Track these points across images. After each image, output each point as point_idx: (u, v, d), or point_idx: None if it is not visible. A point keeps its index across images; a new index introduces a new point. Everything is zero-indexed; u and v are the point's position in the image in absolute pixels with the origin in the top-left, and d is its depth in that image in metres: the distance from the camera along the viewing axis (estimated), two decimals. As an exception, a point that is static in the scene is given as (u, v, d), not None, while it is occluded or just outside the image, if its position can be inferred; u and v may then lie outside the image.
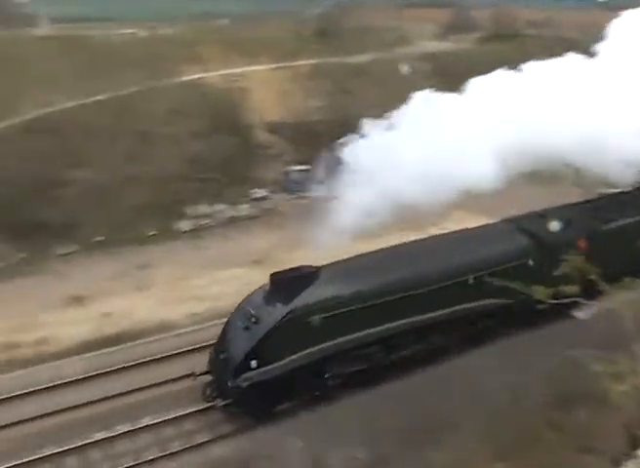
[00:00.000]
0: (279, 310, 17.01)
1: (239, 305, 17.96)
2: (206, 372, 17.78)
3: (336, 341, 17.06)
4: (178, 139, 30.09)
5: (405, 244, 19.55)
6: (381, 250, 19.09)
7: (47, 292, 22.42)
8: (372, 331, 17.44)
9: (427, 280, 17.97)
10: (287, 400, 17.22)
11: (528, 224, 20.44)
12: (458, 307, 18.35)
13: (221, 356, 17.24)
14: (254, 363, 16.50)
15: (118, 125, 29.73)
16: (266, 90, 34.01)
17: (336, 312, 16.98)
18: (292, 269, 17.86)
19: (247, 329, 17.09)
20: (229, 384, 16.65)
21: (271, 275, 17.78)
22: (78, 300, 22.36)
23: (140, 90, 31.98)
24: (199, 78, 34.43)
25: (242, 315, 17.53)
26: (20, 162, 26.84)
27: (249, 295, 18.14)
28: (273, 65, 36.02)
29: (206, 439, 16.56)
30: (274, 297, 17.45)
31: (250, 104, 33.58)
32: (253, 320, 17.04)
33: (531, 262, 19.25)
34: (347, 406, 15.63)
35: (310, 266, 17.91)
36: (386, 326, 17.56)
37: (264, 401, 16.93)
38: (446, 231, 21.91)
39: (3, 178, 26.14)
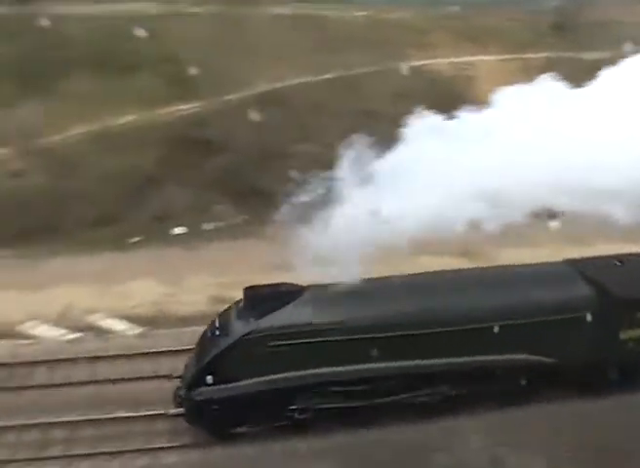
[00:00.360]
0: (241, 328, 15.73)
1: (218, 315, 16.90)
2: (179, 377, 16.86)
3: (304, 373, 15.35)
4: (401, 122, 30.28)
5: (427, 274, 16.96)
6: (395, 276, 16.72)
7: (261, 255, 23.37)
8: (351, 368, 15.43)
9: (434, 320, 15.53)
10: (248, 424, 15.74)
11: (596, 270, 16.82)
12: (472, 358, 15.66)
13: (187, 364, 16.63)
14: (209, 378, 15.51)
15: (344, 103, 30.42)
16: (494, 80, 33.28)
17: (308, 341, 15.26)
18: (270, 285, 16.37)
19: (210, 342, 16.18)
20: (182, 395, 15.95)
21: (245, 289, 16.42)
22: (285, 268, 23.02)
23: (368, 71, 32.49)
24: (426, 64, 34.40)
25: (211, 326, 16.57)
26: (249, 132, 28.40)
27: (230, 306, 17.03)
28: (503, 56, 35.24)
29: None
30: (244, 313, 16.08)
31: (475, 94, 33.09)
32: (216, 333, 16.09)
33: (589, 317, 15.90)
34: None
35: (293, 285, 16.37)
36: (371, 365, 15.50)
37: (219, 420, 15.73)
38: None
39: (233, 146, 27.83)
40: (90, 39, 32.09)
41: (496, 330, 15.53)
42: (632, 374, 15.95)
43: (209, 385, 15.51)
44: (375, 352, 15.37)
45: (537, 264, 17.45)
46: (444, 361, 15.55)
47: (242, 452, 14.50)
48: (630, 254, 17.70)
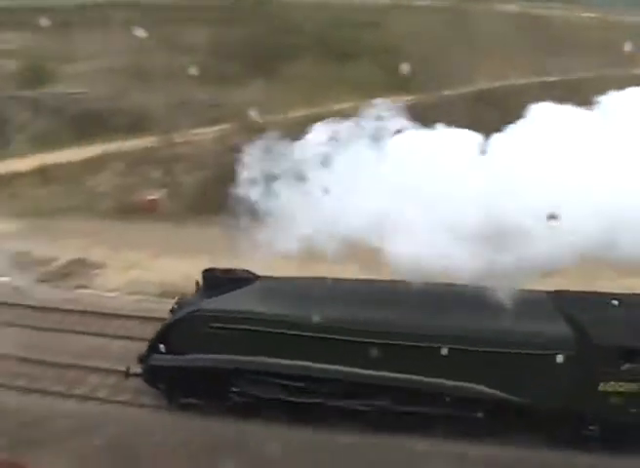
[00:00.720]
0: (190, 306, 16.44)
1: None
2: None
3: (240, 358, 15.70)
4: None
5: (388, 282, 15.66)
6: (350, 280, 16.43)
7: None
8: (285, 362, 15.44)
9: (382, 331, 14.78)
10: (195, 397, 16.33)
11: (582, 307, 15.10)
12: (418, 377, 14.76)
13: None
14: (162, 347, 16.36)
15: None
16: None
17: (245, 328, 15.49)
18: (227, 270, 16.89)
19: (170, 314, 16.97)
20: (140, 357, 16.67)
21: (204, 271, 17.00)
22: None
23: (589, 77, 31.43)
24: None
25: (176, 301, 17.46)
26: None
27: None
28: None
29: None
30: (199, 293, 16.93)
31: None
32: (176, 307, 16.95)
33: (560, 359, 14.20)
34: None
35: (249, 273, 16.80)
36: (306, 364, 15.31)
37: (169, 387, 16.61)
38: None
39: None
40: (315, 26, 33.33)
41: (445, 352, 14.50)
42: (614, 434, 14.62)
43: (161, 353, 16.42)
44: (311, 351, 15.20)
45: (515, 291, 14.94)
46: (384, 374, 14.96)
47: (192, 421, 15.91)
48: (634, 294, 15.69)
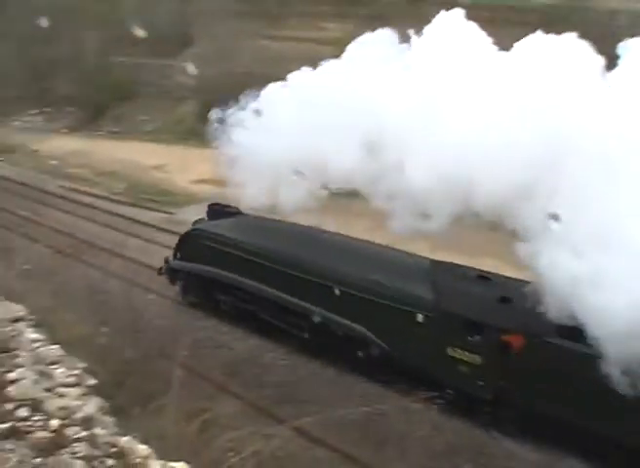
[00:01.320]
0: (194, 226, 21.73)
1: None
2: None
3: (218, 272, 19.96)
4: None
5: (312, 228, 19.54)
6: (296, 225, 19.72)
7: None
8: (242, 280, 19.33)
9: (299, 266, 18.10)
10: (198, 298, 21.01)
11: (447, 277, 16.44)
12: (321, 310, 17.48)
13: None
14: (178, 254, 21.36)
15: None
16: None
17: (221, 248, 20.04)
18: (226, 205, 21.45)
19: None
20: (165, 260, 21.63)
21: (209, 204, 22.12)
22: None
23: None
24: None
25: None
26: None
27: None
28: None
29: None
30: (205, 218, 22.00)
31: None
32: (192, 225, 22.01)
33: (420, 318, 15.85)
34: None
35: (238, 210, 21.14)
36: (252, 283, 19.11)
37: (182, 286, 21.46)
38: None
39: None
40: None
41: (337, 292, 17.21)
42: (468, 402, 15.38)
43: (177, 259, 21.38)
44: (255, 273, 19.13)
45: (402, 252, 18.05)
46: (298, 302, 18.00)
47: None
48: (498, 275, 16.38)
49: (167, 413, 10.43)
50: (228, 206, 21.48)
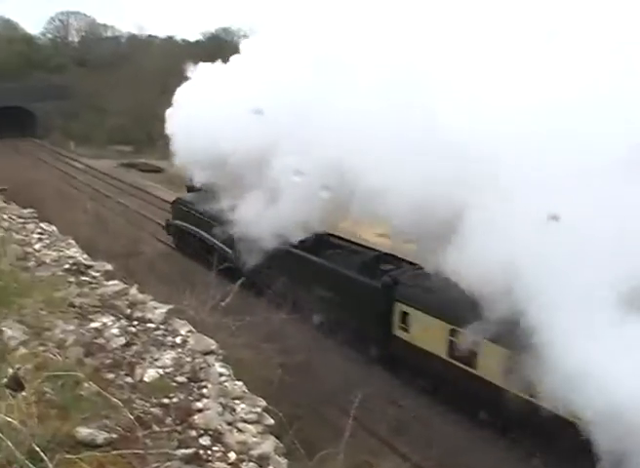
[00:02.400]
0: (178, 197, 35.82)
1: None
2: None
3: (191, 228, 32.69)
4: None
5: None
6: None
7: None
8: (205, 234, 31.26)
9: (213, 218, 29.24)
10: (184, 246, 34.24)
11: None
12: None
13: None
14: (173, 215, 35.31)
15: None
16: None
17: (191, 211, 32.62)
18: (191, 184, 32.02)
19: None
20: (166, 220, 36.08)
21: (186, 185, 34.69)
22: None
23: None
24: None
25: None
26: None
27: None
28: None
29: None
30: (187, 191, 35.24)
31: None
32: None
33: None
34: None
35: (200, 187, 30.00)
36: (205, 234, 31.29)
37: (175, 239, 35.28)
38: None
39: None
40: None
41: (217, 229, 28.88)
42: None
43: (173, 219, 35.03)
44: (197, 223, 32.15)
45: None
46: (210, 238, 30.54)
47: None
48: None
49: (333, 464, 10.53)
50: (192, 184, 31.34)
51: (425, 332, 20.19)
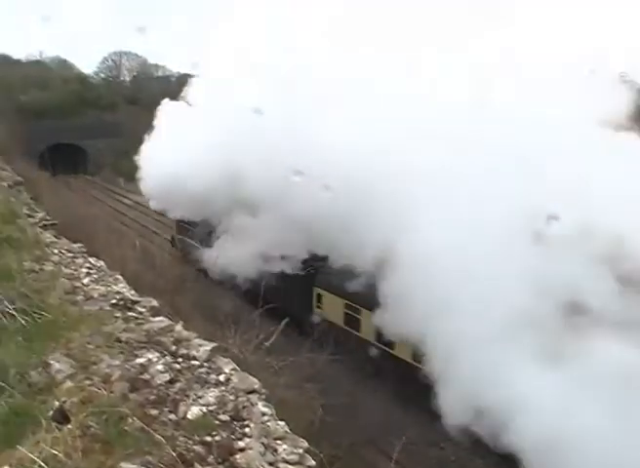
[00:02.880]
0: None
1: None
2: None
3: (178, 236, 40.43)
4: None
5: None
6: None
7: None
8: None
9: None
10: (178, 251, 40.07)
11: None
12: None
13: None
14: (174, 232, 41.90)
15: None
16: None
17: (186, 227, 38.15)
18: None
19: None
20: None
21: None
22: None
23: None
24: None
25: None
26: None
27: None
28: None
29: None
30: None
31: None
32: None
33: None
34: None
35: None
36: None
37: (175, 246, 41.22)
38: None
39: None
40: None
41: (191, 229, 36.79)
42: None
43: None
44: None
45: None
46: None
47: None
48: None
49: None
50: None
51: (331, 308, 26.46)
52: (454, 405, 16.40)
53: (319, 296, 27.17)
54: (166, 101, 35.12)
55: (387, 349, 23.18)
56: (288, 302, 26.53)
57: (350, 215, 20.47)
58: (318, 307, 27.17)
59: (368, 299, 22.17)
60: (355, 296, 24.10)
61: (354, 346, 24.28)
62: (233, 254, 27.18)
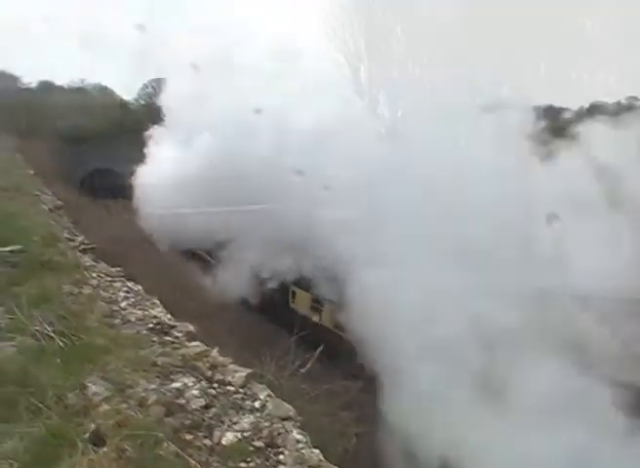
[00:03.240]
0: None
1: None
2: None
3: None
4: None
5: None
6: None
7: None
8: None
9: None
10: None
11: None
12: None
13: None
14: None
15: None
16: None
17: None
18: None
19: None
20: None
21: None
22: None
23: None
24: None
25: None
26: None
27: None
28: None
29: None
30: None
31: None
32: None
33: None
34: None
35: None
36: None
37: None
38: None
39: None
40: None
41: None
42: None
43: None
44: None
45: None
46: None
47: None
48: None
49: None
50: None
51: (301, 302, 31.13)
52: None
53: (293, 293, 32.03)
54: None
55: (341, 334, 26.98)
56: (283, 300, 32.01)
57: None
58: (293, 302, 32.09)
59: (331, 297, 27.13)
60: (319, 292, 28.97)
61: (319, 332, 28.41)
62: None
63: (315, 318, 30.35)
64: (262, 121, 26.62)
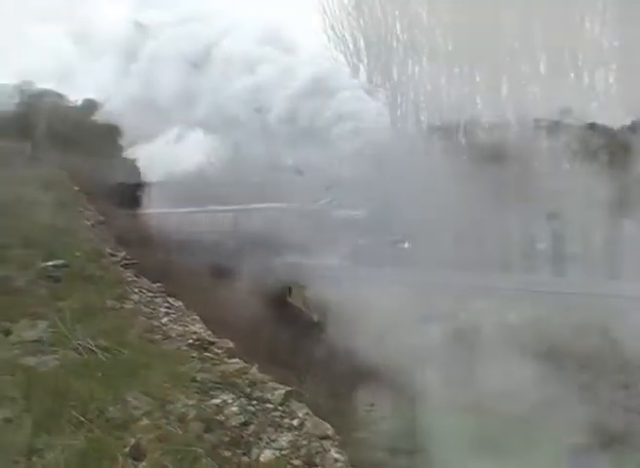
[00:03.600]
0: None
1: None
2: None
3: None
4: None
5: None
6: None
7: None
8: None
9: None
10: None
11: None
12: None
13: None
14: None
15: None
16: None
17: None
18: None
19: None
20: None
21: None
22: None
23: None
24: None
25: None
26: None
27: None
28: None
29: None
30: None
31: None
32: None
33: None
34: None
35: None
36: None
37: None
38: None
39: None
40: None
41: None
42: None
43: None
44: None
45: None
46: None
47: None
48: None
49: None
50: None
51: (296, 296, 30.30)
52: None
53: (289, 288, 32.17)
54: None
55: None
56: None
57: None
58: (289, 296, 32.14)
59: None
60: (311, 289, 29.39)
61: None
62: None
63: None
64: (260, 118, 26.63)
